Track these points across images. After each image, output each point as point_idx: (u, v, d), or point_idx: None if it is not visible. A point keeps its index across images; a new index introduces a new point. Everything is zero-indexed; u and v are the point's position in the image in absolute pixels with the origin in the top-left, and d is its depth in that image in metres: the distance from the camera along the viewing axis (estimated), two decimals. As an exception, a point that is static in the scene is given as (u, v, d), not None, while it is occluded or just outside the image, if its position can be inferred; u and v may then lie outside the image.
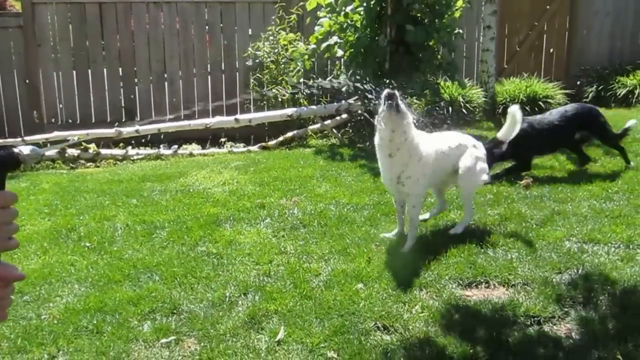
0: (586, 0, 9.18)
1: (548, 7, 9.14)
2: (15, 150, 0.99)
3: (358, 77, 7.14)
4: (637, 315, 2.91)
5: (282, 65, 7.66)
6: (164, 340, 2.86)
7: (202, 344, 2.82)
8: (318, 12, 7.22)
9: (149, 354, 2.77)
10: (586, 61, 9.19)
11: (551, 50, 9.33)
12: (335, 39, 7.13)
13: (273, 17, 7.86)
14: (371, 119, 7.49)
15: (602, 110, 8.26)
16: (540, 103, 7.86)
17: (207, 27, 8.12)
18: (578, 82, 8.99)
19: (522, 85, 8.06)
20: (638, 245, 3.72)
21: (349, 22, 6.97)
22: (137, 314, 3.09)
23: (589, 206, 4.41)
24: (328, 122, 7.55)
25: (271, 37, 7.76)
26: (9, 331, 2.98)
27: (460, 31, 7.04)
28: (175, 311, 3.11)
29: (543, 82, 8.29)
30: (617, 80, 8.54)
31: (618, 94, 8.39)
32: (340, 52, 7.14)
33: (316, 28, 7.25)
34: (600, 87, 8.68)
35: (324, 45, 7.10)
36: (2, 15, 8.38)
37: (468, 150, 3.99)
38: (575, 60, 9.25)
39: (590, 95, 8.76)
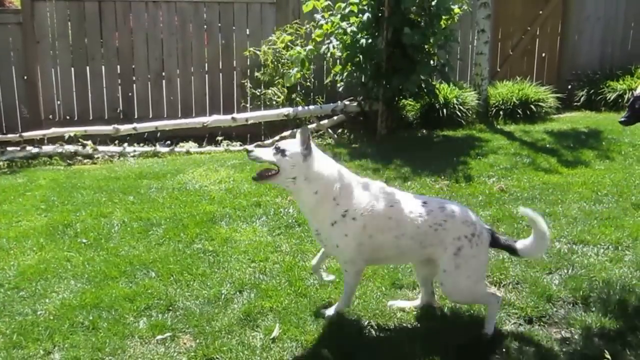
0: (578, 5, 9.28)
1: (541, 12, 9.22)
2: None
3: (355, 79, 7.18)
4: (625, 315, 2.98)
5: (280, 66, 7.70)
6: (159, 337, 2.89)
7: (197, 341, 2.85)
8: (315, 15, 7.26)
9: (145, 350, 2.81)
10: (577, 65, 9.29)
11: (543, 54, 9.41)
12: (332, 40, 7.18)
13: (287, 25, 7.81)
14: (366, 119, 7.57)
15: (592, 114, 8.42)
16: (532, 106, 7.94)
17: (205, 27, 8.14)
18: (569, 86, 9.08)
19: (515, 89, 8.14)
20: (626, 247, 3.79)
21: (347, 24, 7.01)
22: (133, 310, 3.13)
23: (578, 208, 4.48)
24: (324, 122, 7.60)
25: (271, 39, 7.79)
26: (4, 326, 3.01)
27: (456, 34, 7.09)
28: (171, 308, 3.15)
29: (535, 86, 8.38)
30: (607, 85, 8.63)
31: (608, 98, 8.48)
32: (337, 54, 7.19)
33: (308, 27, 7.29)
34: (591, 91, 8.76)
35: (323, 47, 7.14)
36: (1, 11, 8.36)
37: (456, 237, 2.76)
38: (567, 64, 9.34)
39: (582, 99, 8.86)
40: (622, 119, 4.55)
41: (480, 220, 2.91)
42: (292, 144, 2.79)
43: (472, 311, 3.05)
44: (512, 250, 2.88)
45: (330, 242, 2.85)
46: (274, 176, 2.80)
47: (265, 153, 2.83)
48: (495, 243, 2.85)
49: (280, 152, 2.77)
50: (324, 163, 2.82)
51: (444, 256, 2.76)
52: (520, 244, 2.85)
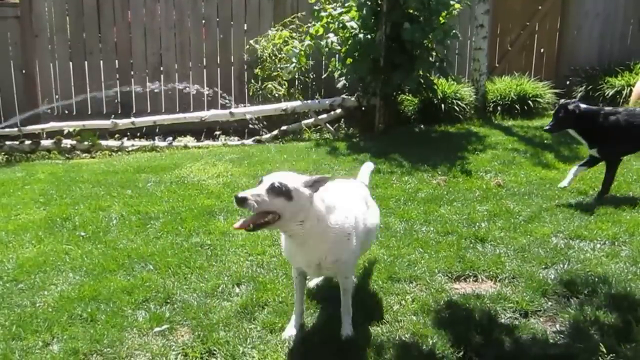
0: (577, 1, 9.27)
1: (540, 7, 9.22)
2: None
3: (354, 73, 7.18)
4: (620, 309, 2.99)
5: (278, 61, 7.70)
6: (157, 329, 2.90)
7: (195, 333, 2.86)
8: (314, 7, 7.24)
9: (143, 342, 2.82)
10: (576, 61, 9.28)
11: (542, 50, 9.41)
12: (331, 35, 7.17)
13: (287, 20, 7.78)
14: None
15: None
16: (530, 102, 7.95)
17: (203, 21, 8.13)
18: (567, 82, 9.07)
19: (513, 84, 8.15)
20: (623, 242, 3.81)
21: (347, 18, 7.00)
22: (131, 302, 3.14)
23: (575, 203, 4.50)
24: (322, 116, 7.61)
25: (269, 33, 7.78)
26: (3, 318, 3.02)
27: (455, 31, 7.09)
28: (169, 300, 3.16)
29: (533, 82, 8.38)
30: (605, 81, 8.62)
31: (606, 94, 8.46)
32: (337, 48, 7.18)
33: (308, 25, 7.28)
34: (589, 88, 8.74)
35: (322, 42, 7.13)
36: (0, 5, 8.31)
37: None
38: (565, 60, 9.34)
39: (580, 95, 8.85)
40: (547, 127, 4.62)
41: None
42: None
43: (469, 305, 3.07)
44: None
45: (344, 257, 2.68)
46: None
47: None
48: None
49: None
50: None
51: None
52: None
